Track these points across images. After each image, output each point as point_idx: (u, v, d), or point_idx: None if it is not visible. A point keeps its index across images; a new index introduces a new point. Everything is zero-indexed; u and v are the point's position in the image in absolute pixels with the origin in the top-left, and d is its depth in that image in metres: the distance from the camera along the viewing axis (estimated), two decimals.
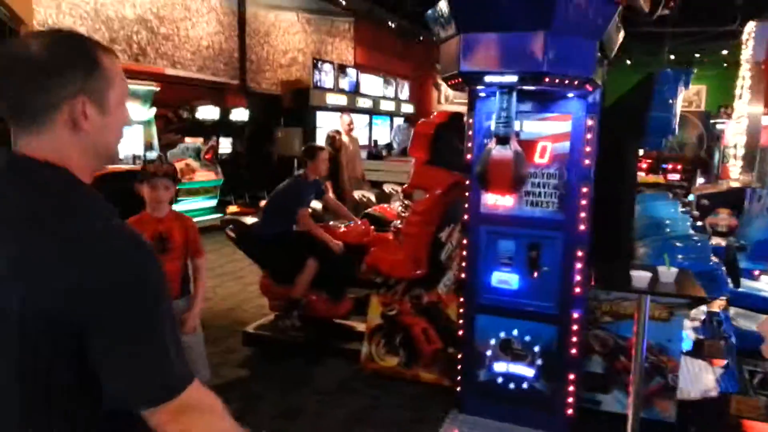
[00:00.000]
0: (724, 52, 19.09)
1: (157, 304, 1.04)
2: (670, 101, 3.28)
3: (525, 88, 2.73)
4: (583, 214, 3.17)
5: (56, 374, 1.01)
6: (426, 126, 3.95)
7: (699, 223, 4.69)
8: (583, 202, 3.16)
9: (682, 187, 13.14)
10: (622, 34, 3.00)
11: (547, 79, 2.51)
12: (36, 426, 1.03)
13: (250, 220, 4.88)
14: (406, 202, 4.12)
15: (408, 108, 17.77)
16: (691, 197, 9.92)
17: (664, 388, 3.34)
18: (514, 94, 2.65)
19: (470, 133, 3.33)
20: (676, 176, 16.06)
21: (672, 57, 20.44)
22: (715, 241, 5.44)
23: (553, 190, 3.23)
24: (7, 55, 1.07)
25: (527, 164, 2.88)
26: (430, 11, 2.75)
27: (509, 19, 2.43)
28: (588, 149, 3.11)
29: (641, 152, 16.66)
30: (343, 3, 14.58)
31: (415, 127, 4.04)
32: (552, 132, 3.18)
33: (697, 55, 20.10)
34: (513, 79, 2.54)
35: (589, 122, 3.08)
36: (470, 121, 3.33)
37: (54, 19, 8.85)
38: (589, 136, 3.10)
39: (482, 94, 3.19)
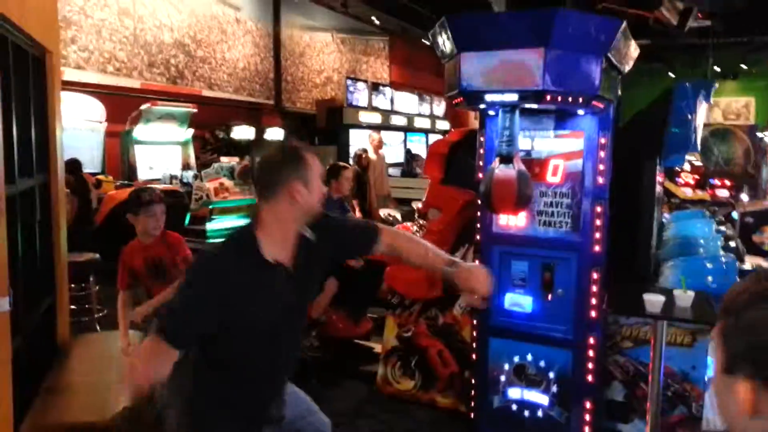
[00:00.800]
0: None
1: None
2: (689, 116, 3.16)
3: (532, 106, 2.67)
4: (597, 235, 3.06)
5: None
6: (440, 145, 3.91)
7: (732, 244, 4.46)
8: (598, 221, 3.06)
9: (729, 204, 12.67)
10: (634, 48, 2.91)
11: (548, 97, 2.44)
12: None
13: None
14: (421, 221, 4.08)
15: (443, 125, 17.73)
16: (734, 214, 9.54)
17: (687, 418, 3.17)
18: (517, 113, 2.59)
19: (481, 151, 3.28)
20: (724, 192, 15.50)
21: (717, 69, 19.85)
22: (755, 261, 5.19)
23: (566, 210, 3.13)
24: (261, 158, 1.87)
25: (531, 183, 2.80)
26: (432, 30, 2.73)
27: (508, 37, 2.39)
28: (602, 167, 3.01)
29: (687, 167, 16.26)
30: (377, 23, 14.71)
31: (430, 146, 4.01)
32: (564, 150, 3.09)
33: (744, 66, 19.44)
34: (513, 97, 2.48)
35: (603, 139, 2.99)
36: (481, 139, 3.27)
37: (95, 44, 9.22)
38: (602, 153, 3.00)
39: (491, 113, 3.14)
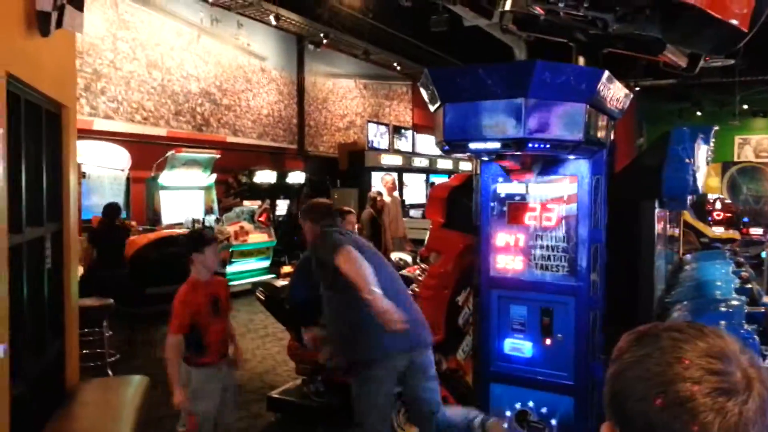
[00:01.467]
0: None
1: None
2: (687, 160, 3.15)
3: (515, 153, 2.71)
4: (594, 278, 3.04)
5: None
6: (441, 190, 3.96)
7: (749, 286, 4.36)
8: (595, 266, 3.04)
9: (761, 243, 12.32)
10: (624, 93, 2.94)
11: (530, 145, 2.48)
12: None
13: (280, 283, 4.97)
14: (423, 265, 4.09)
15: (466, 166, 17.80)
16: (764, 254, 9.26)
17: None
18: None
19: (477, 196, 3.31)
20: (759, 231, 15.11)
21: (745, 106, 19.63)
22: None
23: (562, 254, 3.13)
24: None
25: None
26: (420, 81, 2.81)
27: (488, 88, 2.45)
28: (596, 211, 3.01)
29: (718, 206, 15.85)
30: (398, 68, 15.03)
31: (430, 191, 4.06)
32: (558, 194, 3.11)
33: None
34: (496, 145, 2.53)
35: (596, 183, 3.00)
36: (477, 184, 3.31)
37: (124, 95, 9.63)
38: (597, 197, 3.01)
39: (485, 158, 3.18)
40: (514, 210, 3.19)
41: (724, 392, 0.68)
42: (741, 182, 16.70)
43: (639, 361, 0.74)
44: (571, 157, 2.94)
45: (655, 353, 0.73)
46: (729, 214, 15.33)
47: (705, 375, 0.69)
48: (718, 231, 14.17)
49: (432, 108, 2.78)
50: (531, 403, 3.24)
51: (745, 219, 15.61)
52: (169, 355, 3.10)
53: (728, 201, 15.99)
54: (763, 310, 3.52)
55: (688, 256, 6.16)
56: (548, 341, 3.18)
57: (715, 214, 15.06)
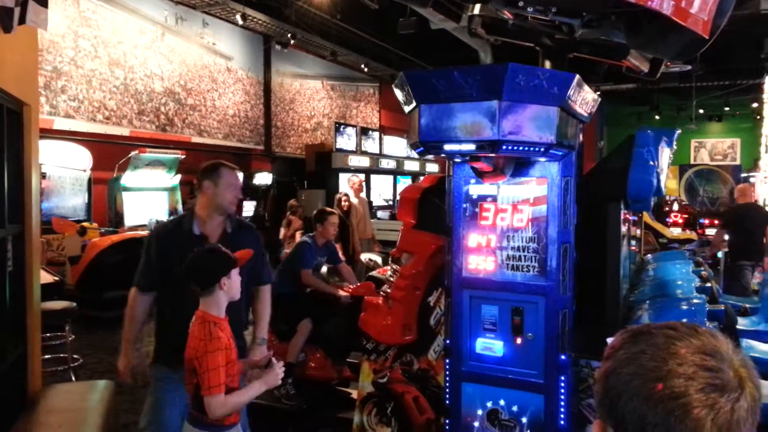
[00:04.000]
0: (755, 105, 18.86)
1: None
2: (651, 162, 3.24)
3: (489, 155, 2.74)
4: (564, 278, 3.10)
5: None
6: (412, 191, 3.98)
7: (708, 284, 4.51)
8: (564, 266, 3.10)
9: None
10: (592, 97, 3.01)
11: (504, 146, 2.51)
12: None
13: None
14: (394, 266, 4.11)
15: (433, 167, 17.94)
16: (720, 254, 9.58)
17: None
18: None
19: (450, 197, 3.34)
20: (713, 231, 15.60)
21: (701, 111, 20.28)
22: (733, 301, 5.22)
23: (533, 254, 3.18)
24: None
25: None
26: (394, 83, 2.83)
27: (463, 90, 2.48)
28: (566, 212, 3.07)
29: (675, 207, 16.29)
30: (366, 70, 15.04)
31: (401, 192, 4.08)
32: (529, 195, 3.16)
33: (727, 109, 19.89)
34: (471, 147, 2.56)
35: (566, 185, 3.06)
36: (449, 185, 3.34)
37: (85, 94, 9.39)
38: (566, 198, 3.07)
39: (457, 160, 3.21)
40: (486, 211, 3.23)
41: (717, 388, 0.69)
42: (698, 184, 17.25)
43: (633, 357, 0.75)
44: (543, 159, 2.99)
45: (650, 350, 0.74)
46: (686, 216, 15.81)
47: (698, 371, 0.70)
48: (676, 232, 14.62)
49: (407, 109, 2.79)
50: (502, 402, 3.29)
51: (702, 220, 16.12)
52: (228, 408, 2.45)
53: (685, 202, 16.48)
54: (722, 308, 3.64)
55: (650, 256, 6.33)
56: (519, 340, 3.23)
57: (672, 215, 15.51)
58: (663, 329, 0.77)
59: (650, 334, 0.77)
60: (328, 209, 5.73)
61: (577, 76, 2.57)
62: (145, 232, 8.22)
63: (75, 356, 5.04)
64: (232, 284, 2.52)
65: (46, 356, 4.57)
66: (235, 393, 2.47)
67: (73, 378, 4.86)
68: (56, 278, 6.12)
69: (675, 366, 0.71)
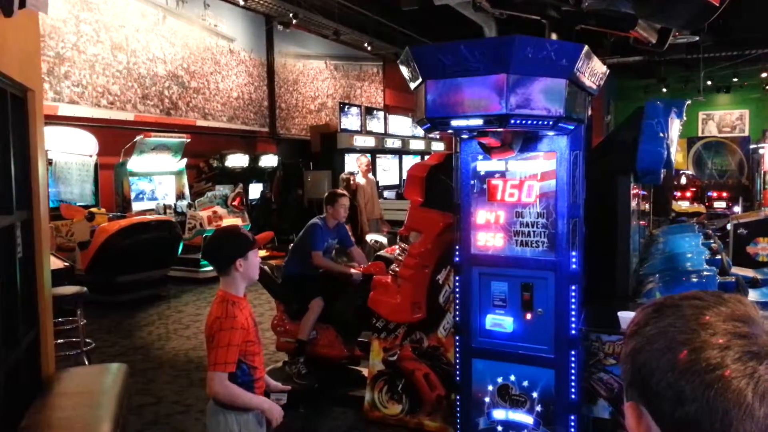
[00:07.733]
0: (764, 75, 18.57)
1: None
2: (661, 134, 3.19)
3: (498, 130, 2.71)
4: (573, 253, 3.08)
5: None
6: (419, 168, 3.95)
7: (719, 257, 4.47)
8: (574, 240, 3.08)
9: (725, 216, 12.68)
10: (601, 69, 2.96)
11: (512, 121, 2.48)
12: None
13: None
14: (403, 245, 4.10)
15: (439, 146, 17.84)
16: (729, 226, 9.53)
17: None
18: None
19: (457, 174, 3.31)
20: (722, 204, 15.53)
21: (709, 82, 20.00)
22: (743, 272, 5.19)
23: (542, 229, 3.16)
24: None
25: None
26: (400, 59, 2.79)
27: (470, 64, 2.44)
28: (575, 186, 3.05)
29: (683, 181, 16.17)
30: (369, 49, 14.89)
31: (408, 170, 4.06)
32: (537, 170, 3.13)
33: (736, 80, 19.60)
34: (478, 122, 2.53)
35: (574, 159, 3.03)
36: (457, 162, 3.31)
37: (88, 79, 9.35)
38: (575, 172, 3.04)
39: (465, 136, 3.18)
40: (494, 187, 3.21)
41: (754, 355, 0.66)
42: (706, 157, 17.09)
43: (662, 332, 0.71)
44: (551, 133, 2.96)
45: (678, 322, 0.71)
46: (694, 189, 15.71)
47: (732, 339, 0.67)
48: (684, 205, 14.54)
49: (413, 86, 2.75)
50: (513, 377, 3.30)
51: (709, 193, 16.02)
52: (226, 390, 2.40)
53: (693, 175, 16.35)
54: (733, 279, 3.62)
55: (659, 230, 6.29)
56: (529, 316, 3.23)
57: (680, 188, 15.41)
58: (688, 299, 0.74)
59: (676, 306, 0.74)
60: (339, 191, 5.72)
61: (586, 47, 2.53)
62: (152, 217, 8.24)
63: (87, 340, 5.08)
64: (249, 265, 2.51)
65: (59, 341, 4.61)
66: (240, 389, 2.44)
67: (86, 361, 4.91)
68: (66, 264, 6.16)
69: (708, 336, 0.68)
